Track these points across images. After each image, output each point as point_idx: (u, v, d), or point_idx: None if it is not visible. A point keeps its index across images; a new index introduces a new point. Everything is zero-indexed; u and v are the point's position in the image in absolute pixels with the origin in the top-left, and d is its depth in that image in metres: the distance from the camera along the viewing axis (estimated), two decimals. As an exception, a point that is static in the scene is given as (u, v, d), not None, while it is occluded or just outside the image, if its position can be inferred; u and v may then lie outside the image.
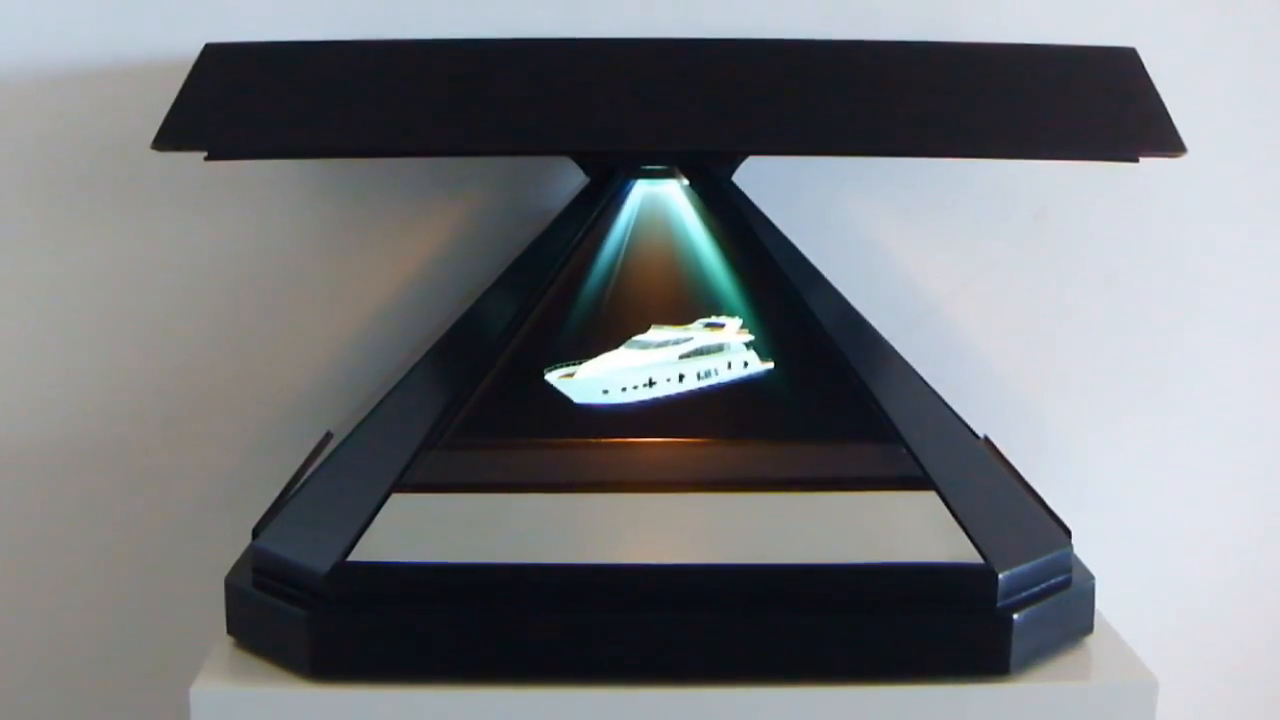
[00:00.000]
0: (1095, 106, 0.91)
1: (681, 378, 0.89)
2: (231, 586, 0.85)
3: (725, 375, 0.90)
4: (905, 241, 1.10)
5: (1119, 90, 0.92)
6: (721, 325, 0.90)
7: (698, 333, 0.90)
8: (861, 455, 0.93)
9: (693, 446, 0.97)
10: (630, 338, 0.91)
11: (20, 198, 1.05)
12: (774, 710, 0.80)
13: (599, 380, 0.89)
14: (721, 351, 0.90)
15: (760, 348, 0.91)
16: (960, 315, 1.11)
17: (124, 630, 1.12)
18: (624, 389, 0.89)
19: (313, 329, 1.08)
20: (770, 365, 0.91)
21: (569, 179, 1.05)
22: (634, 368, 0.89)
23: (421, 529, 0.86)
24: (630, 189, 0.93)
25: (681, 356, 0.89)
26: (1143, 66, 0.93)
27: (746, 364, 0.91)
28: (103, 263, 1.06)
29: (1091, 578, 0.86)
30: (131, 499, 1.10)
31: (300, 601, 0.81)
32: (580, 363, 0.89)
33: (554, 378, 0.89)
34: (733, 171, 0.97)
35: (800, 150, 1.01)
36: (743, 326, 0.91)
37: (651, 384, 0.89)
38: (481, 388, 0.87)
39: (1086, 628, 0.86)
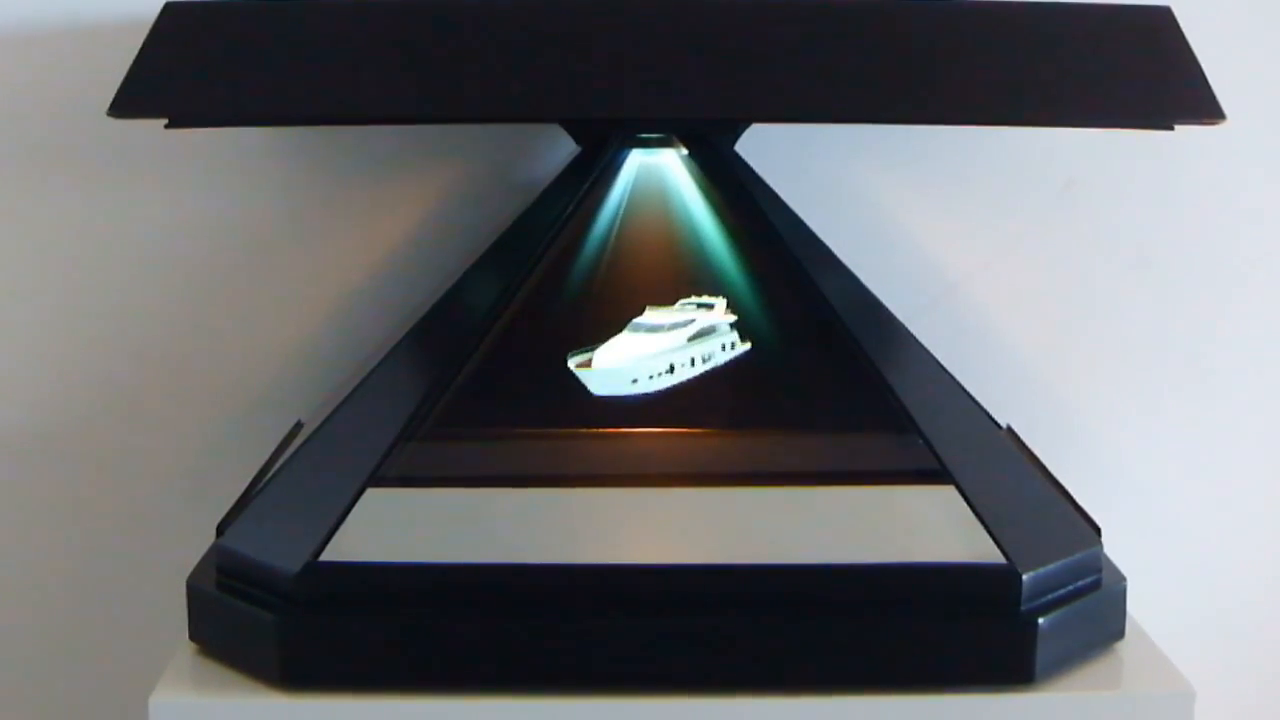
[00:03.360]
0: (1127, 70, 0.91)
1: (693, 362, 0.90)
2: (194, 588, 0.85)
3: (720, 358, 0.90)
4: (922, 217, 1.09)
5: (1152, 53, 0.92)
6: (711, 305, 0.90)
7: (695, 314, 0.90)
8: (875, 446, 0.93)
9: (692, 437, 0.97)
10: (626, 321, 0.91)
11: (-34, 169, 1.05)
12: (780, 722, 0.80)
13: (626, 370, 0.89)
14: (715, 333, 0.90)
15: (761, 329, 0.91)
16: (981, 296, 1.11)
17: (78, 636, 1.12)
18: (650, 377, 0.89)
19: (282, 310, 1.08)
20: (748, 346, 0.90)
21: (559, 148, 1.04)
22: (655, 354, 0.89)
23: (398, 526, 0.87)
24: (625, 159, 0.93)
25: (690, 339, 0.90)
26: (1178, 27, 0.93)
27: (734, 345, 0.91)
28: (55, 239, 1.06)
29: (1123, 579, 0.86)
30: (86, 494, 1.10)
31: (268, 604, 0.81)
32: (592, 348, 0.89)
33: (574, 364, 0.89)
34: (735, 140, 0.97)
35: (808, 117, 1.00)
36: (728, 307, 0.91)
37: (672, 370, 0.89)
38: (464, 374, 0.87)
39: (1117, 633, 0.86)
